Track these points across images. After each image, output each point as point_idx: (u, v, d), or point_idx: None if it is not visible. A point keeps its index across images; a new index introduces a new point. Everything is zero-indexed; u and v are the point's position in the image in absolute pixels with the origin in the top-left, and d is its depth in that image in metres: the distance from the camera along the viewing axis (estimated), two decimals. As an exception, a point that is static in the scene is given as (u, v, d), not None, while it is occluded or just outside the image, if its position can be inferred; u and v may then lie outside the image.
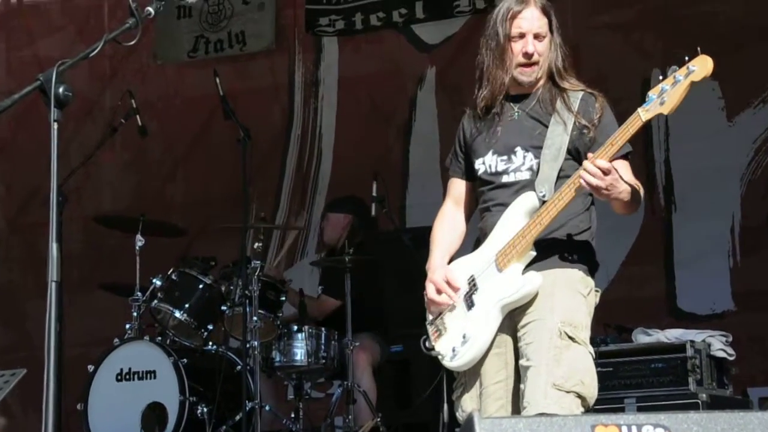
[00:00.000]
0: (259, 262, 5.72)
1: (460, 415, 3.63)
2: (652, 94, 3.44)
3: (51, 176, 3.57)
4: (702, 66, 3.43)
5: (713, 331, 5.52)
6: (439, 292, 3.68)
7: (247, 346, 5.60)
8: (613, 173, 3.44)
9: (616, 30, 7.31)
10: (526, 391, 3.49)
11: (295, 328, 5.84)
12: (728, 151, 7.06)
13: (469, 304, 3.64)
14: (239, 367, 5.69)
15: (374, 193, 6.11)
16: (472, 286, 3.65)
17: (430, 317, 3.73)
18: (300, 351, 5.80)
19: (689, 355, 5.23)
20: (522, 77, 3.66)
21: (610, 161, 3.49)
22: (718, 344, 5.36)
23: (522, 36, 3.66)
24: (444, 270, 3.71)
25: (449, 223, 3.84)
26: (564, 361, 3.49)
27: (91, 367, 5.68)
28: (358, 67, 8.12)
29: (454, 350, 3.62)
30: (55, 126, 3.53)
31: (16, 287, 8.29)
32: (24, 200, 8.41)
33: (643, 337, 5.44)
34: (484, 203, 3.72)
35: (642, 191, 3.60)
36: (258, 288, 5.67)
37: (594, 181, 3.43)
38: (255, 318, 5.61)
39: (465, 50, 7.85)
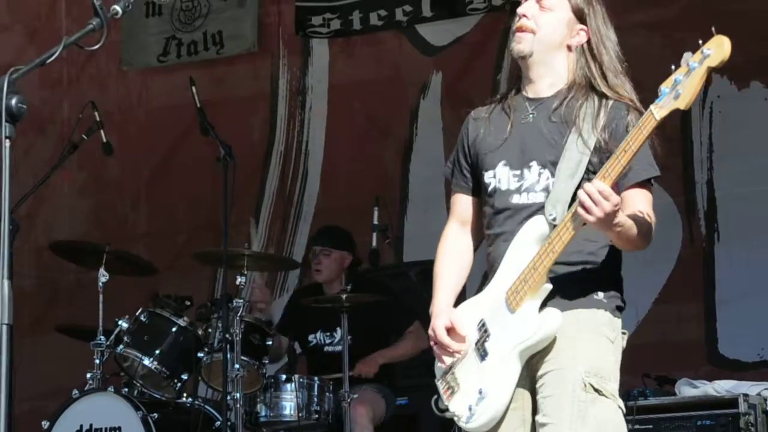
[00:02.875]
0: (241, 300, 5.61)
1: None
2: (665, 87, 3.34)
3: (1, 202, 3.44)
4: (718, 48, 3.33)
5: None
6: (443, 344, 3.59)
7: (228, 398, 5.51)
8: (613, 199, 3.32)
9: (654, 29, 7.23)
10: None
11: (284, 377, 5.79)
12: (782, 172, 6.99)
13: (482, 353, 3.55)
14: (218, 423, 5.65)
15: (375, 221, 6.02)
16: (483, 332, 3.56)
17: (439, 372, 3.66)
18: (289, 404, 5.78)
19: (742, 411, 5.22)
20: (513, 44, 3.60)
21: (624, 185, 3.42)
22: (776, 398, 5.27)
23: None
24: (448, 315, 3.61)
25: (455, 251, 3.73)
26: (590, 418, 3.42)
27: (45, 424, 5.63)
28: (352, 73, 8.08)
29: (470, 409, 3.54)
30: (7, 143, 3.44)
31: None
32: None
33: (688, 390, 5.37)
34: (490, 228, 3.62)
35: (653, 225, 3.50)
36: (240, 331, 5.57)
37: (591, 207, 3.30)
38: (237, 366, 5.52)
39: (477, 54, 7.79)
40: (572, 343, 3.47)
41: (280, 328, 6.18)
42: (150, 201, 8.26)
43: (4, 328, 3.37)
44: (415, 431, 6.33)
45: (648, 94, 3.73)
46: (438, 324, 3.60)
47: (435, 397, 3.63)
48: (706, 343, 7.06)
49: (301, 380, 5.79)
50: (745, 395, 5.26)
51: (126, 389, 5.73)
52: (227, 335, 5.61)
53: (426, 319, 6.12)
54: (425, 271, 6.60)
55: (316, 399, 5.76)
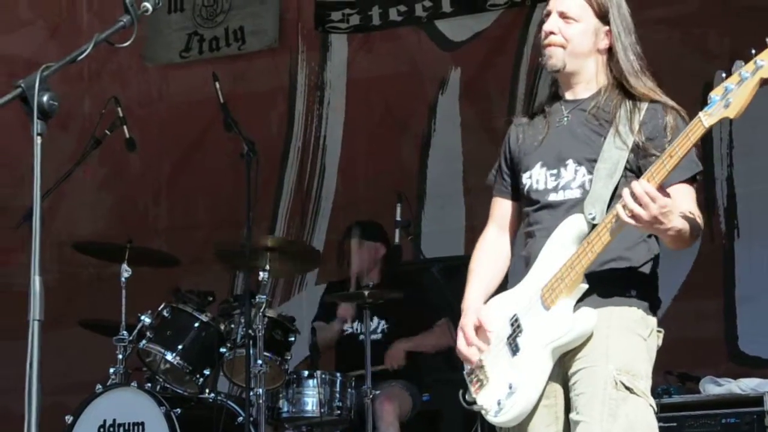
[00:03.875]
0: (264, 296, 5.58)
1: None
2: (715, 95, 3.34)
3: (34, 199, 3.46)
4: None
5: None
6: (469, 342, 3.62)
7: (251, 394, 5.48)
8: (660, 201, 3.31)
9: (673, 26, 7.19)
10: None
11: (306, 373, 5.77)
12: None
13: (514, 348, 3.57)
14: (241, 419, 5.64)
15: (398, 218, 6.01)
16: (516, 327, 3.58)
17: (468, 366, 3.67)
18: (311, 400, 5.76)
19: (768, 409, 5.10)
20: (544, 59, 3.63)
21: (667, 183, 3.40)
22: (802, 396, 5.24)
23: (549, 15, 3.67)
24: (477, 311, 3.65)
25: (491, 252, 3.78)
26: (621, 416, 3.42)
27: (69, 418, 5.63)
28: (370, 68, 8.07)
29: (499, 403, 3.54)
30: (39, 140, 3.43)
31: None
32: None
33: (712, 387, 5.35)
34: (529, 226, 3.65)
35: (701, 223, 3.52)
36: (263, 327, 5.54)
37: (636, 209, 3.30)
38: (260, 361, 5.49)
39: (497, 50, 7.78)
40: (604, 341, 3.47)
41: (321, 318, 6.16)
42: (171, 196, 8.27)
43: (36, 324, 3.37)
44: (438, 428, 6.30)
45: (665, 89, 3.75)
46: (467, 322, 3.64)
47: (462, 390, 3.63)
48: (726, 340, 7.03)
49: (323, 376, 5.78)
50: (771, 393, 5.24)
51: (148, 384, 5.73)
52: (250, 331, 5.58)
53: (451, 316, 6.16)
54: (448, 267, 6.63)
55: (338, 395, 5.76)
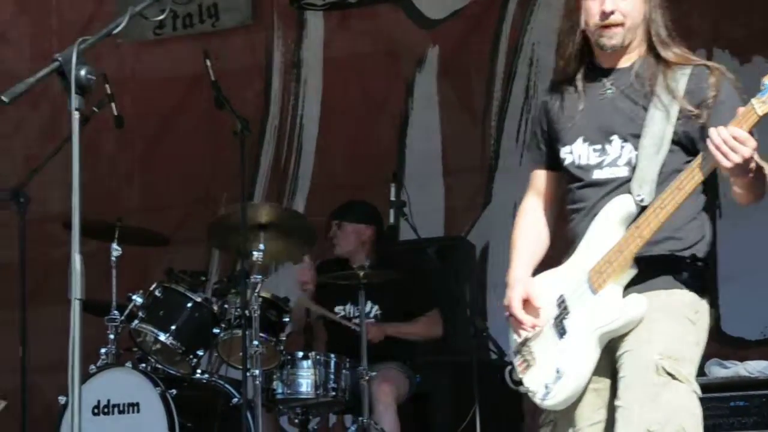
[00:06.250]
0: (259, 276, 5.62)
1: None
2: None
3: (72, 177, 3.51)
4: None
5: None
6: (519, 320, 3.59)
7: (249, 375, 5.49)
8: (750, 143, 3.27)
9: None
10: None
11: (301, 354, 5.80)
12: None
13: (561, 330, 3.56)
14: (236, 400, 5.68)
15: (392, 198, 6.07)
16: (563, 309, 3.56)
17: (514, 344, 3.65)
18: (306, 381, 5.79)
19: (776, 391, 5.12)
20: (603, 40, 3.56)
21: None
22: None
23: None
24: (524, 287, 3.61)
25: (531, 222, 3.74)
26: (662, 402, 3.40)
27: (62, 399, 5.60)
28: (347, 46, 8.13)
29: (546, 387, 3.55)
30: (77, 115, 3.47)
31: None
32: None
33: (718, 370, 5.39)
34: (572, 203, 3.63)
35: None
36: (258, 307, 5.57)
37: (725, 149, 3.23)
38: (256, 342, 5.53)
39: (475, 28, 7.85)
40: (649, 325, 3.45)
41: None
42: (143, 175, 8.26)
43: (77, 303, 3.42)
44: (427, 410, 6.36)
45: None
46: (514, 295, 3.60)
47: (509, 368, 3.63)
48: (709, 321, 7.15)
49: (318, 357, 5.82)
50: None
51: (143, 365, 5.73)
52: (245, 311, 5.62)
53: (444, 306, 6.23)
54: (443, 248, 6.72)
55: (333, 376, 5.79)
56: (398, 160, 7.96)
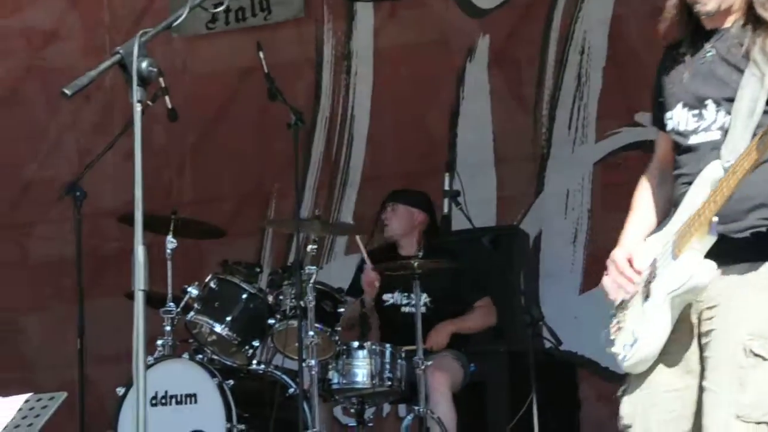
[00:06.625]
0: (314, 267, 5.66)
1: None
2: None
3: (135, 169, 3.55)
4: None
5: None
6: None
7: (305, 365, 5.53)
8: None
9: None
10: (704, 421, 3.37)
11: (356, 344, 5.82)
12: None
13: (646, 294, 3.50)
14: (292, 390, 5.71)
15: (446, 187, 6.09)
16: (653, 271, 3.50)
17: (610, 306, 3.59)
18: (362, 371, 5.81)
19: None
20: (697, 6, 3.49)
21: None
22: None
23: None
24: (629, 247, 3.56)
25: (653, 187, 3.67)
26: (750, 384, 3.32)
27: (120, 390, 5.66)
28: (397, 37, 8.14)
29: (624, 348, 3.50)
30: (139, 108, 3.51)
31: (7, 298, 8.23)
32: (14, 196, 8.33)
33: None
34: (676, 169, 3.58)
35: None
36: (313, 298, 5.60)
37: None
38: (311, 333, 5.56)
39: (526, 16, 7.85)
40: (738, 302, 3.36)
41: (351, 290, 6.20)
42: (195, 168, 8.32)
43: (140, 294, 3.45)
44: (482, 399, 6.37)
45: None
46: (618, 254, 3.54)
47: (605, 330, 3.57)
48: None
49: (373, 347, 5.85)
50: None
51: (198, 356, 5.78)
52: (301, 302, 5.66)
53: (498, 295, 6.24)
54: (498, 237, 6.73)
55: (388, 366, 5.81)
56: (449, 151, 7.97)
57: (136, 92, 3.46)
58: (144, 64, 3.44)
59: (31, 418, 4.53)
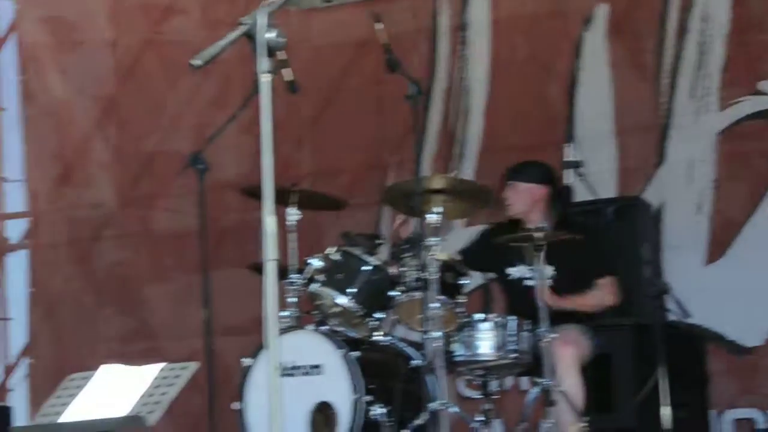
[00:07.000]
0: (437, 239, 5.65)
1: None
2: None
3: (262, 139, 3.58)
4: None
5: None
6: None
7: (428, 337, 5.52)
8: None
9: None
10: None
11: (479, 316, 5.80)
12: None
13: None
14: (415, 362, 5.70)
15: (568, 158, 6.01)
16: None
17: None
18: (485, 344, 5.78)
19: None
20: None
21: None
22: None
23: None
24: None
25: None
26: None
27: (247, 361, 5.68)
28: (513, 7, 8.09)
29: None
30: (267, 79, 3.53)
31: (130, 269, 8.38)
32: (137, 169, 8.46)
33: None
34: None
35: None
36: (436, 270, 5.60)
37: None
38: (435, 305, 5.54)
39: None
40: None
41: (470, 262, 6.15)
42: (313, 141, 8.36)
43: (270, 264, 3.48)
44: (608, 372, 6.31)
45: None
46: None
47: None
48: None
49: (497, 319, 5.81)
50: None
51: (322, 327, 5.81)
52: (423, 274, 5.65)
53: (622, 268, 6.17)
54: (620, 208, 6.67)
55: (513, 338, 5.78)
56: (567, 123, 7.91)
57: (264, 62, 3.48)
58: (272, 35, 3.46)
59: (164, 387, 4.61)
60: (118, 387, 4.85)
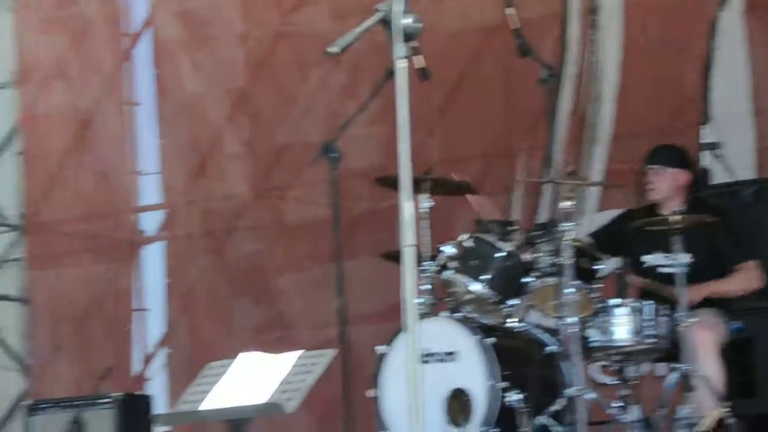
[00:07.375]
0: (571, 224, 5.61)
1: None
2: None
3: (399, 125, 3.59)
4: None
5: None
6: None
7: (563, 323, 5.49)
8: None
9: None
10: None
11: (615, 302, 5.74)
12: None
13: None
14: (550, 348, 5.67)
15: (705, 139, 5.91)
16: None
17: None
18: (622, 329, 5.73)
19: None
20: None
21: None
22: None
23: None
24: None
25: None
26: None
27: (382, 348, 5.71)
28: (646, -13, 7.95)
29: None
30: (403, 64, 3.54)
31: (265, 259, 8.49)
32: (269, 161, 8.56)
33: None
34: None
35: None
36: (570, 255, 5.56)
37: None
38: (570, 290, 5.50)
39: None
40: None
41: (603, 245, 6.08)
42: (443, 127, 8.35)
43: (408, 249, 3.50)
44: (749, 356, 6.22)
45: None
46: None
47: None
48: None
49: (633, 304, 5.76)
50: None
51: (456, 314, 5.81)
52: (558, 260, 5.62)
53: (762, 250, 6.05)
54: (761, 190, 6.54)
55: (650, 323, 5.72)
56: (704, 104, 7.78)
57: (400, 48, 3.49)
58: (409, 21, 3.48)
59: (302, 375, 4.67)
60: (256, 375, 4.92)
